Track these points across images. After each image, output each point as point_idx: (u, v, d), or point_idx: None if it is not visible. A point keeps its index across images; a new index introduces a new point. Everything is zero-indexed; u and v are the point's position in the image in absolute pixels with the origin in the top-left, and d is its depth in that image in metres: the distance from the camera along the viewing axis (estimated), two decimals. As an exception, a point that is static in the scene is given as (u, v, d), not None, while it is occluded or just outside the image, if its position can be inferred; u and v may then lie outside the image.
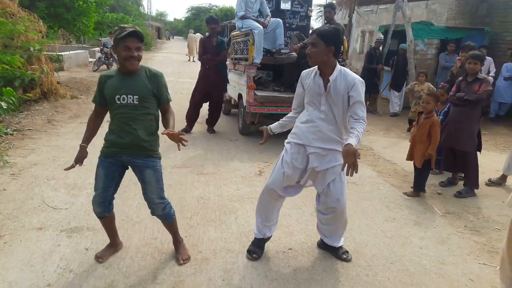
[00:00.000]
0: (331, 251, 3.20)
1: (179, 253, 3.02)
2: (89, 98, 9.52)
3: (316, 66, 2.85)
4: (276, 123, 3.12)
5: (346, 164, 2.46)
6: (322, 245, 3.27)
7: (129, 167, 2.83)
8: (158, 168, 2.79)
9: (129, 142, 2.68)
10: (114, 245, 3.03)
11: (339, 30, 2.82)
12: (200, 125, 7.41)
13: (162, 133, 2.57)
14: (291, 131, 3.03)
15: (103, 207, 2.80)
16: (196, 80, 7.06)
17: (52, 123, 6.85)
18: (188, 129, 6.90)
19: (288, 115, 3.14)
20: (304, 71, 2.99)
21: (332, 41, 2.72)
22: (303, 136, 2.90)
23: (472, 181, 4.75)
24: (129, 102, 2.63)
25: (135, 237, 3.28)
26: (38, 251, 2.97)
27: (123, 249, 3.07)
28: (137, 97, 2.63)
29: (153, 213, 2.88)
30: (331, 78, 2.76)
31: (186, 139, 2.58)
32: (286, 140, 3.02)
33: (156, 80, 2.70)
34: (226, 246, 3.23)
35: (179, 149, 2.59)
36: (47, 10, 10.50)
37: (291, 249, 3.26)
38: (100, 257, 2.91)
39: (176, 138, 2.54)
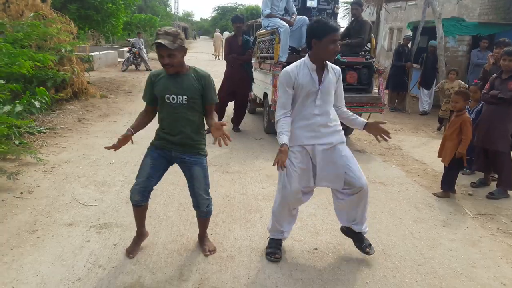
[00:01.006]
0: (356, 241, 3.12)
1: (206, 244, 3.09)
2: (118, 97, 9.74)
3: (305, 61, 2.83)
4: (286, 137, 2.74)
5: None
6: (347, 231, 3.18)
7: (174, 164, 2.94)
8: (205, 165, 2.90)
9: (179, 140, 2.81)
10: (140, 236, 3.09)
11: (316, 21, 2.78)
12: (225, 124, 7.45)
13: (211, 126, 2.66)
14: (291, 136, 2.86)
15: (142, 196, 2.87)
16: (221, 80, 7.11)
17: (83, 122, 7.04)
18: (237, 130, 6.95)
19: (287, 123, 2.81)
20: (287, 68, 2.86)
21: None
22: (303, 138, 2.86)
23: (505, 182, 4.58)
24: (178, 102, 2.74)
25: (162, 234, 3.33)
26: (69, 246, 3.06)
27: (150, 246, 3.12)
28: (186, 97, 2.73)
29: (198, 208, 2.95)
30: (328, 69, 2.85)
31: (229, 137, 2.59)
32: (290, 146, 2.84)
33: (204, 81, 2.79)
34: (251, 244, 3.24)
35: (219, 145, 2.61)
36: (78, 12, 10.80)
37: (316, 249, 3.23)
38: (131, 253, 2.98)
39: (220, 132, 2.58)
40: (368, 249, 3.07)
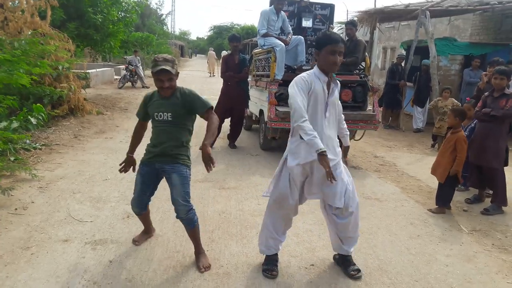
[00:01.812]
0: (344, 265, 3.11)
1: (200, 261, 3.10)
2: (114, 114, 9.76)
3: (315, 73, 2.87)
4: (319, 140, 2.67)
5: None
6: (339, 260, 3.20)
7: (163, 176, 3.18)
8: (184, 174, 3.05)
9: (160, 151, 3.06)
10: (148, 232, 3.49)
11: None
12: (222, 140, 7.48)
13: (200, 149, 3.03)
14: (295, 152, 2.91)
15: (140, 208, 3.26)
16: (217, 97, 7.17)
17: (79, 138, 7.03)
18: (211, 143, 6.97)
19: (310, 127, 2.72)
20: (302, 74, 2.88)
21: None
22: (309, 154, 2.82)
23: (499, 198, 4.62)
24: (164, 118, 3.03)
25: (158, 250, 3.31)
26: (64, 262, 3.03)
27: (146, 262, 3.10)
28: (170, 114, 3.01)
29: (177, 216, 3.04)
30: (334, 82, 2.97)
31: (212, 166, 2.82)
32: (295, 163, 2.89)
33: (186, 97, 3.03)
34: (248, 260, 3.22)
35: (207, 171, 2.82)
36: (77, 31, 10.90)
37: (313, 265, 3.22)
38: (137, 241, 3.37)
39: (206, 159, 2.81)
40: (353, 273, 3.03)
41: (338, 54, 2.79)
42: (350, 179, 3.02)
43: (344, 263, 3.13)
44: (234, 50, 7.04)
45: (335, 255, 3.26)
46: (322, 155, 2.62)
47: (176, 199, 2.99)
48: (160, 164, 3.07)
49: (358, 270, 3.07)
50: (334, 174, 2.71)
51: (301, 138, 2.76)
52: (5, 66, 5.28)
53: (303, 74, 2.90)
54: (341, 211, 2.95)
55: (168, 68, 2.90)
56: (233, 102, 6.98)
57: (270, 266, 3.06)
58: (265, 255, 3.15)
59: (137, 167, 3.24)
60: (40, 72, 6.50)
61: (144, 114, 3.19)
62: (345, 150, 3.29)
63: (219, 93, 7.23)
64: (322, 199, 3.06)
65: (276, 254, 3.14)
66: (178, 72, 3.07)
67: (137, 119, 3.31)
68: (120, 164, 3.30)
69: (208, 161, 2.79)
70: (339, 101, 3.13)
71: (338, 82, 3.06)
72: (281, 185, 2.98)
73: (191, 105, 3.03)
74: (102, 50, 13.09)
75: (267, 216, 3.12)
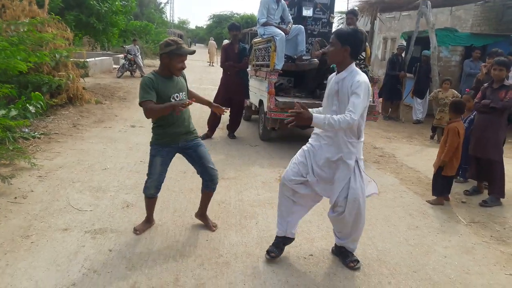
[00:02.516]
0: (342, 256, 3.15)
1: (209, 220, 3.59)
2: (113, 104, 9.72)
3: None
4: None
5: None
6: (336, 250, 3.23)
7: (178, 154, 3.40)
8: (203, 145, 3.47)
9: (185, 130, 3.30)
10: (150, 221, 3.53)
11: (357, 32, 2.93)
12: (221, 131, 7.47)
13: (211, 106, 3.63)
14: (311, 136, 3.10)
15: (157, 189, 3.37)
16: (216, 87, 7.14)
17: (77, 127, 7.01)
18: (209, 134, 6.96)
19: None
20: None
21: (347, 41, 2.80)
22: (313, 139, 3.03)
23: (497, 190, 4.63)
24: (180, 98, 3.23)
25: (157, 239, 3.32)
26: (64, 251, 3.04)
27: (145, 251, 3.11)
28: (184, 93, 3.30)
29: (212, 182, 3.44)
30: (339, 77, 2.86)
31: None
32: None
33: (185, 77, 3.44)
34: (247, 250, 3.24)
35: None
36: (77, 20, 10.80)
37: (312, 255, 3.24)
38: (138, 230, 3.39)
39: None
40: (352, 264, 3.06)
41: (329, 45, 2.96)
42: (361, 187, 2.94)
43: (341, 254, 3.17)
44: (234, 39, 6.96)
45: (333, 247, 3.29)
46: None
47: (210, 166, 3.39)
48: (184, 142, 3.31)
49: (357, 261, 3.09)
50: (332, 169, 2.91)
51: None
52: (2, 54, 5.24)
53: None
54: (333, 206, 2.99)
55: (194, 50, 3.29)
56: (232, 92, 6.94)
57: (272, 247, 3.15)
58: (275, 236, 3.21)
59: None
60: (36, 61, 6.45)
61: (154, 95, 3.07)
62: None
63: (218, 83, 7.19)
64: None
65: (284, 237, 3.15)
66: None
67: (137, 109, 3.46)
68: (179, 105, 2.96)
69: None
70: (353, 97, 2.87)
71: (354, 78, 2.77)
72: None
73: (188, 84, 3.47)
74: (102, 39, 13.00)
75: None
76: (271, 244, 3.18)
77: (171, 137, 3.26)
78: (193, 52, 3.25)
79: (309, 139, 3.08)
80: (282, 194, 3.11)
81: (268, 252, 3.11)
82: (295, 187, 3.01)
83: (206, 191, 3.52)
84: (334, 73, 2.98)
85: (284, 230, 3.14)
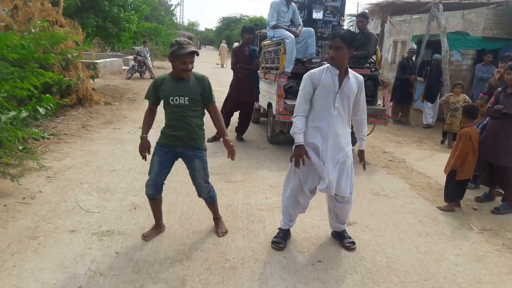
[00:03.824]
0: (340, 239, 3.47)
1: (218, 227, 3.51)
2: (122, 105, 9.77)
3: (329, 66, 3.09)
4: (301, 136, 3.12)
5: None
6: (336, 234, 3.54)
7: (179, 159, 3.31)
8: (204, 159, 3.28)
9: (183, 135, 3.15)
10: (158, 227, 3.43)
11: (355, 33, 3.16)
12: (229, 133, 7.40)
13: (224, 142, 3.20)
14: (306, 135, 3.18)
15: (155, 189, 3.24)
16: (224, 89, 7.12)
17: (87, 128, 7.04)
18: (217, 137, 6.93)
19: (302, 123, 3.13)
20: (311, 71, 3.15)
21: (352, 44, 3.06)
22: (317, 139, 3.13)
23: (510, 196, 4.54)
24: (180, 102, 3.09)
25: (164, 242, 3.30)
26: (70, 253, 3.03)
27: (152, 254, 3.09)
28: (187, 98, 3.10)
29: (199, 195, 3.37)
30: (348, 76, 3.09)
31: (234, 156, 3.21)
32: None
33: (202, 83, 3.17)
34: (254, 255, 3.20)
35: (231, 159, 3.21)
36: (95, 24, 10.94)
37: (320, 261, 3.19)
38: (146, 236, 3.31)
39: (231, 150, 3.17)
40: (348, 244, 3.37)
41: (333, 48, 3.01)
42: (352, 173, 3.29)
43: (339, 237, 3.49)
44: (246, 42, 6.94)
45: (332, 231, 3.59)
46: (296, 147, 3.05)
47: (199, 182, 3.28)
48: (182, 149, 3.20)
49: (353, 242, 3.40)
50: (342, 168, 3.15)
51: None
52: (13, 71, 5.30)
53: (314, 69, 3.16)
54: (343, 198, 3.26)
55: (196, 50, 3.02)
56: (243, 95, 6.93)
57: (279, 239, 3.35)
58: (279, 229, 3.47)
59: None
60: (47, 61, 6.48)
61: (155, 97, 3.21)
62: (360, 154, 3.37)
63: (226, 84, 7.19)
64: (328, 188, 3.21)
65: (288, 230, 3.45)
66: None
67: (145, 109, 3.35)
68: (141, 151, 3.25)
69: (233, 151, 3.18)
70: (364, 102, 3.27)
71: (360, 77, 3.18)
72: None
73: (204, 92, 3.16)
74: (114, 42, 13.19)
75: (283, 191, 3.44)
76: (277, 236, 3.40)
77: (168, 139, 3.20)
78: (192, 52, 3.03)
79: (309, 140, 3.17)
80: (294, 199, 3.32)
81: (275, 243, 3.31)
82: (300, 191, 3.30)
83: (205, 203, 3.54)
84: (320, 71, 3.10)
85: (289, 225, 3.43)
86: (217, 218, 3.57)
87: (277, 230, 3.48)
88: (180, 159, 3.33)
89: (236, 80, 7.01)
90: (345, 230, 3.51)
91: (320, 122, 3.10)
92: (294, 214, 3.41)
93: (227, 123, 7.01)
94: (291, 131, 3.13)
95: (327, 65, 3.11)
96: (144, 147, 3.23)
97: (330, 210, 3.45)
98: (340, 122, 3.11)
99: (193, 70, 3.15)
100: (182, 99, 3.08)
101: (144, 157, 3.25)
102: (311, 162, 3.11)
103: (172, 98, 3.08)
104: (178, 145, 3.19)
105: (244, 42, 7.00)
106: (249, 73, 6.95)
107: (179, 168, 3.41)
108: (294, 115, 3.15)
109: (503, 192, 4.72)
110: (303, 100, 3.12)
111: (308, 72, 3.17)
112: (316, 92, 3.08)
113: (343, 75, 3.07)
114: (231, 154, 3.18)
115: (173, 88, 3.10)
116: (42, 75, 5.89)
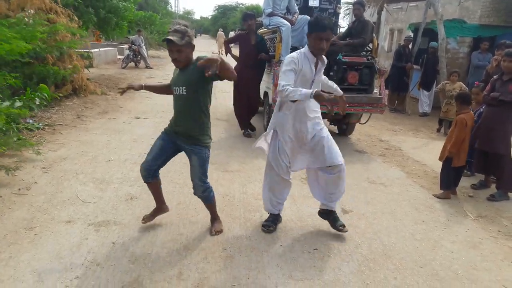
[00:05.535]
0: (332, 221, 3.45)
1: (213, 226, 3.38)
2: (117, 95, 9.68)
3: (305, 52, 3.12)
4: (306, 90, 2.91)
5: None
6: (323, 214, 3.52)
7: (171, 163, 3.30)
8: (203, 156, 3.12)
9: (181, 131, 3.10)
10: (159, 209, 3.42)
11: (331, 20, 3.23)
12: (226, 123, 7.42)
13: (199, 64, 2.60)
14: (278, 121, 3.29)
15: (148, 172, 3.19)
16: (227, 85, 6.85)
17: (82, 119, 6.99)
18: (252, 129, 6.80)
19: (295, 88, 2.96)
20: (292, 55, 3.12)
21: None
22: (291, 123, 3.22)
23: (506, 184, 4.57)
24: (179, 92, 3.01)
25: (161, 232, 3.30)
26: (67, 243, 3.02)
27: (149, 244, 3.09)
28: (184, 88, 2.98)
29: (194, 193, 3.24)
30: (321, 61, 3.22)
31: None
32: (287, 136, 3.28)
33: (196, 63, 2.79)
34: (251, 244, 3.21)
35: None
36: (97, 16, 10.83)
37: (316, 249, 3.20)
38: (144, 219, 3.33)
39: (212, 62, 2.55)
40: (341, 228, 3.37)
41: (325, 40, 3.03)
42: (333, 141, 3.32)
43: (330, 219, 3.46)
44: (250, 29, 6.50)
45: (320, 210, 3.55)
46: (316, 95, 2.80)
47: (194, 179, 3.17)
48: (181, 142, 3.14)
49: (344, 226, 3.40)
50: (321, 140, 3.25)
51: (293, 101, 3.05)
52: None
53: (293, 53, 3.14)
54: (336, 166, 3.24)
55: (174, 39, 2.81)
56: (248, 88, 6.55)
57: (269, 222, 3.44)
58: (269, 213, 3.51)
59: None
60: (36, 49, 6.40)
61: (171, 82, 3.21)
62: (341, 98, 3.40)
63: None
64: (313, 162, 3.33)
65: (278, 214, 3.53)
66: (193, 45, 2.99)
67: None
68: (126, 85, 3.24)
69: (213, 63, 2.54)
70: (324, 78, 3.48)
71: (325, 60, 3.28)
72: (273, 153, 3.36)
73: (199, 67, 2.63)
74: (112, 32, 13.10)
75: (265, 178, 3.48)
76: (265, 220, 3.47)
77: (170, 127, 3.20)
78: (167, 40, 2.80)
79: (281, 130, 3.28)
80: (272, 176, 3.40)
81: (265, 226, 3.41)
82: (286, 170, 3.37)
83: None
84: (300, 56, 3.09)
85: (278, 209, 3.48)
86: (214, 218, 3.42)
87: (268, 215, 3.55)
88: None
89: (243, 72, 6.20)
90: (335, 212, 3.49)
91: (295, 106, 3.16)
92: (283, 198, 3.47)
93: (249, 117, 6.84)
94: (295, 97, 2.88)
95: (303, 50, 3.13)
96: (132, 84, 3.21)
97: (319, 188, 3.46)
98: (312, 106, 3.22)
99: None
100: (180, 89, 2.99)
101: (123, 90, 3.24)
102: (287, 145, 3.27)
103: (175, 88, 3.05)
104: (178, 138, 3.16)
105: (249, 30, 6.52)
106: (254, 64, 6.52)
107: (176, 157, 3.39)
108: (284, 91, 2.91)
109: (498, 179, 4.74)
110: (289, 78, 2.99)
111: (289, 56, 3.13)
112: (296, 76, 3.10)
113: (318, 62, 3.19)
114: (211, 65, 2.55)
115: (176, 77, 3.08)
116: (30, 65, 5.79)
